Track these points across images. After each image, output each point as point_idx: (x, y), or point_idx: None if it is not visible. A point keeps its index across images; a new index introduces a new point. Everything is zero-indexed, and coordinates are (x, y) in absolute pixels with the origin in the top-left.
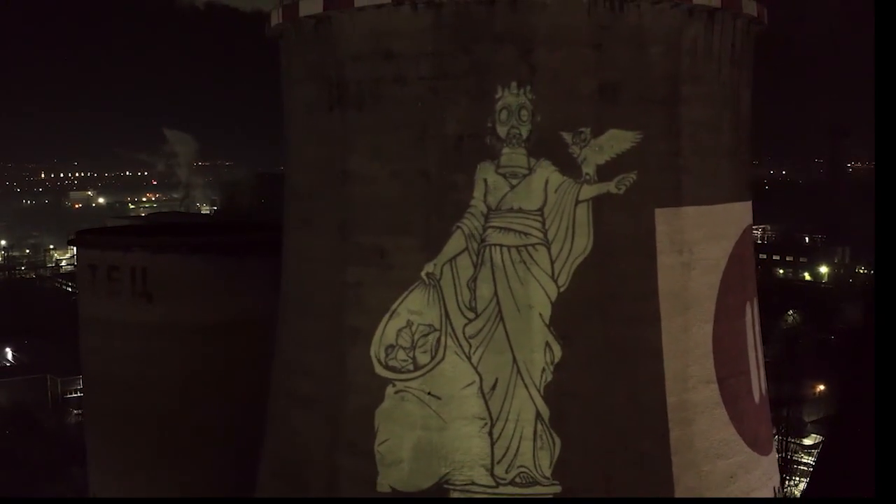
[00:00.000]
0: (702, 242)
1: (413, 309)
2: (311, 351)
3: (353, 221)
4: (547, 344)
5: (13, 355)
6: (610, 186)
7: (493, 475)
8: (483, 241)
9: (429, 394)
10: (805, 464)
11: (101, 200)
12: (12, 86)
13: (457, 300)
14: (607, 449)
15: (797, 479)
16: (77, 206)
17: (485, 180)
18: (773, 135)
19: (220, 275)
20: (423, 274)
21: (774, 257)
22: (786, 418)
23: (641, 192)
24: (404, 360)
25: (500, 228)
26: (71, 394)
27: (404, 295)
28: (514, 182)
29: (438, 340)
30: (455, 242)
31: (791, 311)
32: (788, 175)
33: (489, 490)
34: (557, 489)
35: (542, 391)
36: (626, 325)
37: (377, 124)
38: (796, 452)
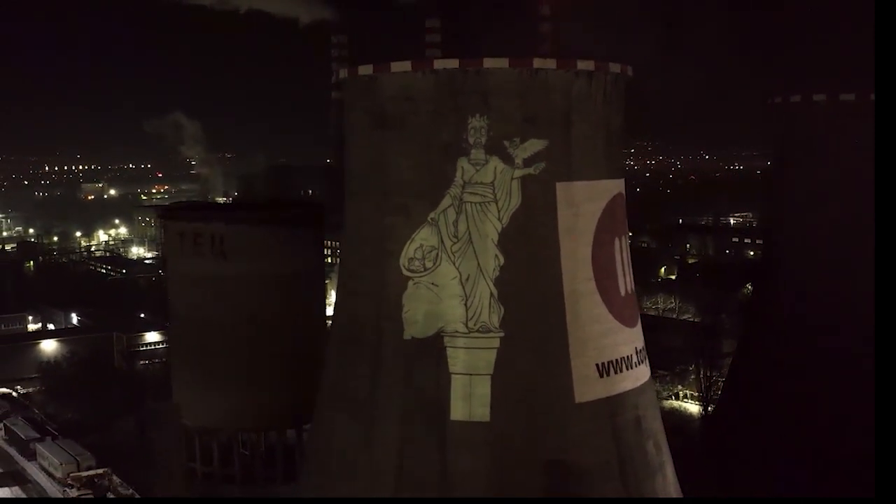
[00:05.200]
0: (585, 202)
1: (423, 238)
2: (364, 264)
3: (389, 191)
4: (496, 255)
5: (78, 319)
6: (530, 170)
7: (467, 327)
8: (461, 200)
9: (432, 283)
10: None
11: (112, 192)
12: (12, 80)
13: (447, 232)
14: (529, 312)
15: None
16: (90, 197)
17: (462, 167)
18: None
19: (279, 239)
20: (428, 219)
21: (745, 240)
22: (709, 365)
23: (549, 173)
24: (418, 266)
25: (471, 193)
26: (136, 348)
27: (418, 230)
28: (478, 168)
29: (437, 255)
30: (446, 201)
31: (748, 285)
32: None
33: (465, 335)
34: (502, 334)
35: (493, 281)
36: (540, 245)
37: (402, 137)
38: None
